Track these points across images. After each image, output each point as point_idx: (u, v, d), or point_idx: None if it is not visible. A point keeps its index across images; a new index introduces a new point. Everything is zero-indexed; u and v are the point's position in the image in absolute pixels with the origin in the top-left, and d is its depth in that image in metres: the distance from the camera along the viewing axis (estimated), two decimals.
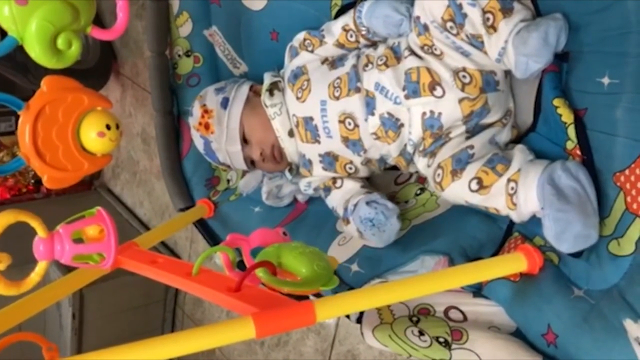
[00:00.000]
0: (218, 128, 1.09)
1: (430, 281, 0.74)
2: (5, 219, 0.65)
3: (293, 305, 0.63)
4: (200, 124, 1.11)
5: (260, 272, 0.68)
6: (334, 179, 1.06)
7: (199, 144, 1.15)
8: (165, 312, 2.10)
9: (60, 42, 0.74)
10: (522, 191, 0.81)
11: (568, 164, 0.79)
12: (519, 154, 0.86)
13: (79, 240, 0.71)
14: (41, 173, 0.82)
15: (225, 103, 1.09)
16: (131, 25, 1.96)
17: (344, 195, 1.04)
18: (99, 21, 1.87)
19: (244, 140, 1.09)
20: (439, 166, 0.89)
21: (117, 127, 0.84)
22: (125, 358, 0.57)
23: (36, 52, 0.74)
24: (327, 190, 1.07)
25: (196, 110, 1.13)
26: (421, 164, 0.95)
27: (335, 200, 1.05)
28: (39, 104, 0.79)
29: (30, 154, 0.80)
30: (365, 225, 0.96)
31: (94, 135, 0.84)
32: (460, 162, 0.87)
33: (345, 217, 1.01)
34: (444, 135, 0.91)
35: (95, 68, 1.93)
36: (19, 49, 1.65)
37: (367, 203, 0.96)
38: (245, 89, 1.11)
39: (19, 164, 0.81)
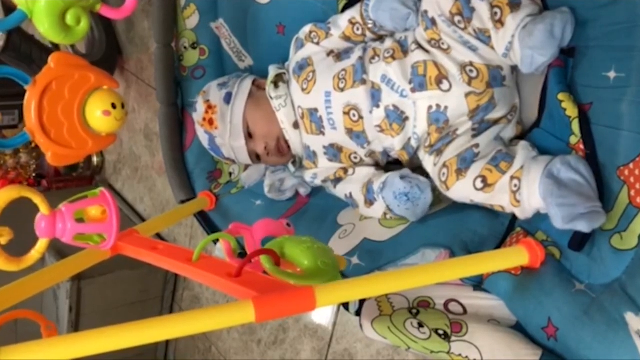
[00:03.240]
0: (222, 123, 1.09)
1: (432, 271, 0.73)
2: (9, 194, 0.66)
3: (293, 290, 0.62)
4: (204, 119, 1.12)
5: (263, 259, 0.68)
6: (345, 169, 1.06)
7: (203, 139, 1.15)
8: (162, 309, 2.09)
9: (69, 18, 0.74)
10: (525, 188, 0.81)
11: (568, 157, 0.79)
12: (522, 150, 0.86)
13: (80, 221, 0.71)
14: (45, 149, 0.82)
15: (228, 98, 1.10)
16: (137, 21, 1.96)
17: (361, 179, 1.03)
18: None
19: (248, 135, 1.09)
20: (444, 165, 0.90)
21: (123, 106, 0.84)
22: (126, 336, 0.56)
23: (45, 26, 0.74)
24: (338, 180, 1.07)
25: (200, 105, 1.13)
26: (428, 162, 0.95)
27: (349, 187, 1.05)
28: (46, 79, 0.79)
29: (36, 130, 0.80)
30: (400, 200, 0.94)
31: (99, 114, 0.84)
32: (465, 161, 0.87)
33: (368, 199, 1.01)
34: (451, 132, 0.91)
35: (100, 62, 1.93)
36: (25, 40, 1.66)
37: (402, 177, 0.95)
38: (248, 84, 1.11)
39: (23, 138, 0.81)
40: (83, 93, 0.82)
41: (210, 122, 1.10)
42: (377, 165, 1.08)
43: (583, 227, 0.74)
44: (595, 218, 0.74)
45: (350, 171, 1.06)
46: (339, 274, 0.70)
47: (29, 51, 1.68)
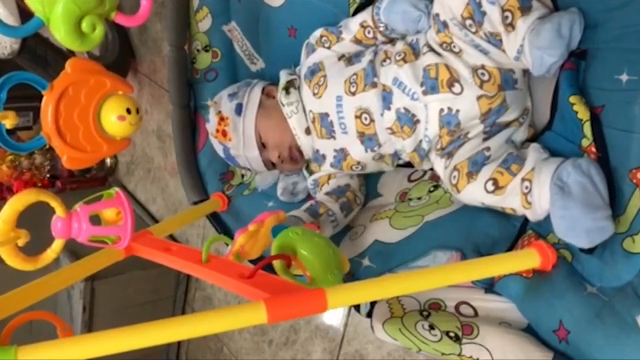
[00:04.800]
0: (235, 135, 1.10)
1: (443, 274, 0.73)
2: (27, 198, 0.67)
3: (305, 292, 0.63)
4: (217, 131, 1.13)
5: (277, 265, 0.69)
6: (328, 177, 1.10)
7: (219, 150, 1.17)
8: (175, 310, 2.10)
9: (85, 26, 0.76)
10: (537, 190, 0.81)
11: (580, 160, 0.79)
12: (533, 153, 0.86)
13: (95, 218, 0.72)
14: (61, 153, 0.83)
15: (239, 110, 1.10)
16: (150, 24, 1.98)
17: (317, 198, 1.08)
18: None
19: (262, 145, 1.10)
20: (455, 168, 0.90)
21: (138, 111, 0.85)
22: (141, 337, 0.57)
23: (61, 33, 0.75)
24: (317, 187, 1.11)
25: (212, 117, 1.14)
26: (439, 165, 0.95)
27: None
28: (63, 85, 0.81)
29: (52, 134, 0.81)
30: None
31: (114, 119, 0.85)
32: (477, 165, 0.87)
33: None
34: (462, 135, 0.91)
35: (114, 65, 1.94)
36: (40, 43, 1.68)
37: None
38: (257, 93, 1.12)
39: (40, 143, 0.82)
40: (99, 98, 0.84)
41: (224, 134, 1.11)
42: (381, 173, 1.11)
43: (582, 244, 0.75)
44: (598, 235, 0.74)
45: (325, 186, 1.10)
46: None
47: (44, 54, 1.70)
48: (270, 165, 1.13)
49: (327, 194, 1.07)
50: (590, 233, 0.74)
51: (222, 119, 1.11)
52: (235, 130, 1.10)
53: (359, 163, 1.04)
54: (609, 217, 0.74)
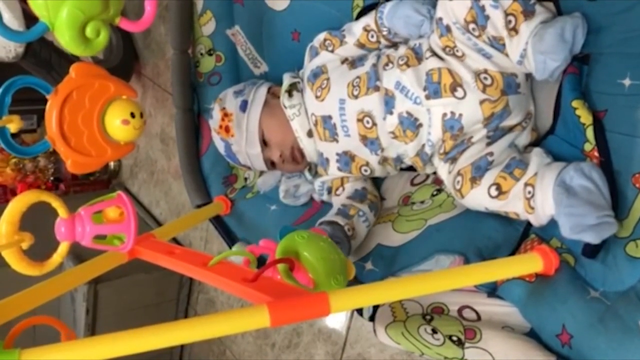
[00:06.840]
0: (238, 131, 1.10)
1: (446, 278, 0.74)
2: (28, 198, 0.67)
3: (308, 296, 0.63)
4: (220, 127, 1.13)
5: (281, 268, 0.69)
6: (341, 181, 1.09)
7: (219, 146, 1.17)
8: (177, 312, 2.10)
9: (89, 31, 0.76)
10: (539, 194, 0.81)
11: (582, 164, 0.79)
12: (536, 157, 0.86)
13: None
14: (65, 157, 0.83)
15: (244, 106, 1.10)
16: (154, 27, 1.98)
17: (337, 204, 1.06)
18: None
19: (264, 143, 1.10)
20: (458, 173, 0.90)
21: (142, 115, 0.86)
22: (144, 340, 0.57)
23: (66, 39, 0.76)
24: (330, 193, 1.10)
25: (216, 113, 1.14)
26: (442, 170, 0.95)
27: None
28: (67, 89, 0.81)
29: (56, 138, 0.81)
30: None
31: (118, 123, 0.85)
32: (480, 170, 0.88)
33: None
34: (466, 140, 0.91)
35: (118, 68, 1.95)
36: (44, 46, 1.69)
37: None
38: (263, 92, 1.12)
39: (44, 147, 0.83)
40: (103, 102, 0.84)
41: (227, 129, 1.11)
42: (384, 178, 1.10)
43: (590, 238, 0.74)
44: (604, 229, 0.74)
45: (339, 190, 1.09)
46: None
47: (48, 57, 1.70)
48: (270, 164, 1.14)
49: (349, 197, 1.06)
50: (596, 227, 0.74)
51: (225, 115, 1.12)
52: (238, 126, 1.10)
53: (367, 163, 1.04)
54: (612, 214, 0.75)
